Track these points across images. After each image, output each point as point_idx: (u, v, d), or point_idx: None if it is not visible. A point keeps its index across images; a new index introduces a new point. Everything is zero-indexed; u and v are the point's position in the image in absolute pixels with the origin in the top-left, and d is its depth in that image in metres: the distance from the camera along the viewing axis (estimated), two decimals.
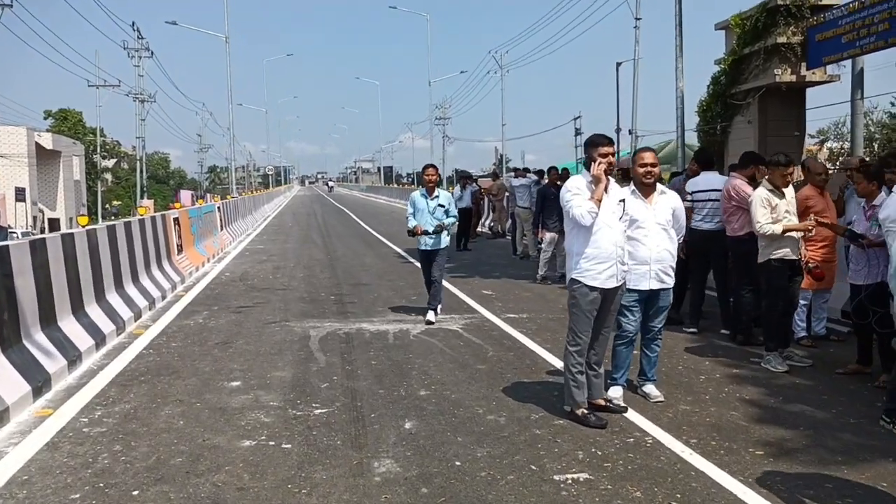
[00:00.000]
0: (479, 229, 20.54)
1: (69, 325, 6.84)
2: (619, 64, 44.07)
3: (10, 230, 35.83)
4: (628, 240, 5.06)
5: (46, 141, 48.70)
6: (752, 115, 24.26)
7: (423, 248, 8.80)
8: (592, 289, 4.85)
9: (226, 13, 38.14)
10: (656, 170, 5.23)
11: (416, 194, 8.89)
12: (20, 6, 53.22)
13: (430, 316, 8.50)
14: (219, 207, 19.13)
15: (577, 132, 60.42)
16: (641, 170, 5.20)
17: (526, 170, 15.84)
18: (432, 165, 9.07)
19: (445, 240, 8.78)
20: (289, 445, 4.62)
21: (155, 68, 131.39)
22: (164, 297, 10.33)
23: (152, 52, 46.29)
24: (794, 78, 20.53)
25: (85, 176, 60.93)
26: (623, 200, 4.97)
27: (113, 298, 8.35)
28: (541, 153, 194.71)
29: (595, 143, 4.92)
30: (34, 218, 47.48)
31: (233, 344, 7.50)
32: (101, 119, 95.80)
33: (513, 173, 15.38)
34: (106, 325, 7.68)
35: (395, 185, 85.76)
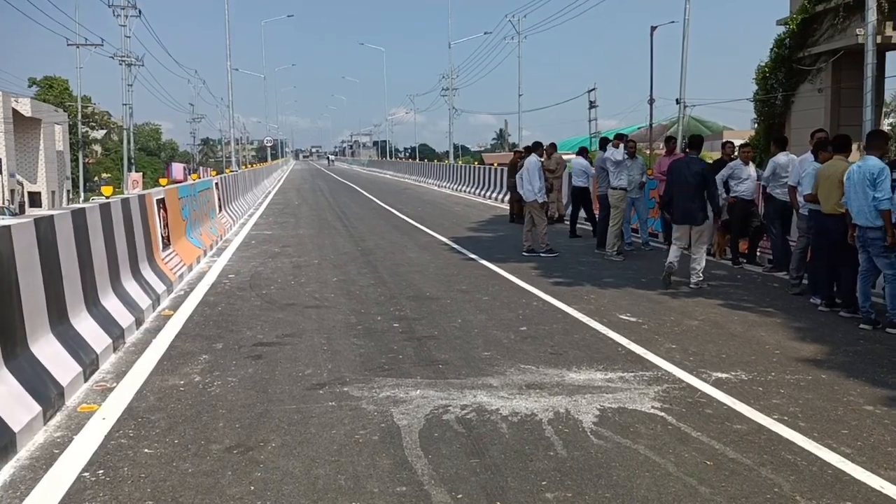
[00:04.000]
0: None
1: None
2: (653, 28, 40.37)
3: None
4: None
5: (25, 107, 44.67)
6: (824, 82, 20.34)
7: None
8: None
9: None
10: None
11: None
12: None
13: None
14: (217, 183, 15.49)
15: (592, 105, 56.77)
16: None
17: (620, 136, 12.16)
18: None
19: None
20: None
21: (143, 30, 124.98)
22: (140, 324, 6.76)
23: (140, 11, 42.15)
24: (878, 39, 16.87)
25: (70, 147, 56.84)
26: None
27: (44, 347, 4.77)
28: (537, 129, 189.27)
29: None
30: (12, 192, 43.60)
31: (259, 453, 3.95)
32: (88, 87, 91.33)
33: (610, 144, 11.80)
34: (23, 407, 4.12)
35: (397, 159, 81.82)
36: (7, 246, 4.46)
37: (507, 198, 19.83)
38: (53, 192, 50.19)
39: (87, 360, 5.26)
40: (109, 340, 5.82)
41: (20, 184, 46.07)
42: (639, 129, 45.16)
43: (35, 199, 47.85)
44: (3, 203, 38.81)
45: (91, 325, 5.70)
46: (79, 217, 5.88)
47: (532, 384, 5.05)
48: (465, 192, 28.81)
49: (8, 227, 4.51)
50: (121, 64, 41.98)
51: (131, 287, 7.09)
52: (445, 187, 32.82)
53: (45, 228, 5.09)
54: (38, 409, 4.26)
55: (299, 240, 13.80)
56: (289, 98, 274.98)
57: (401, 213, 19.74)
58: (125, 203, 7.44)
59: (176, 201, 10.41)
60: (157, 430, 4.27)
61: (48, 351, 4.80)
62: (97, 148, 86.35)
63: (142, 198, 8.26)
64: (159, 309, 7.57)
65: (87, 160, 76.90)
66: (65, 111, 56.85)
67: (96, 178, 77.86)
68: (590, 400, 4.72)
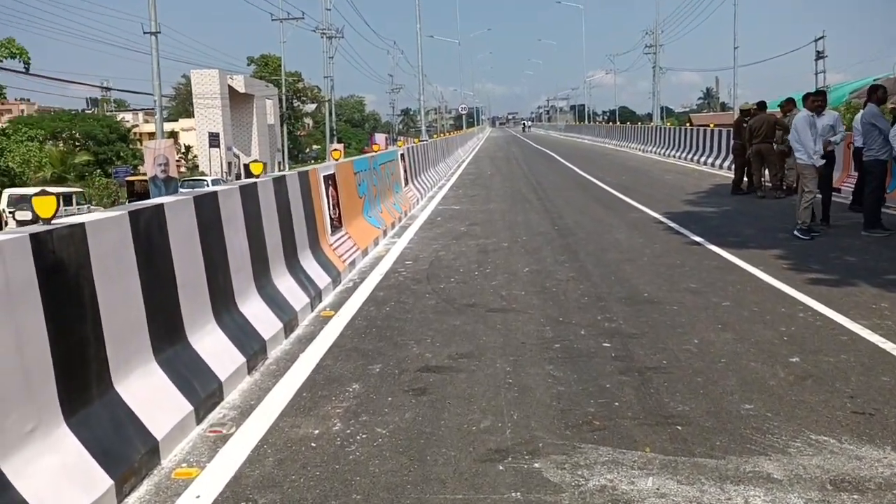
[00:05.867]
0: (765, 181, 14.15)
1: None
2: None
3: (198, 179, 34.21)
4: None
5: (239, 84, 47.36)
6: None
7: None
8: None
9: None
10: None
11: None
12: None
13: None
14: (403, 154, 14.40)
15: (819, 55, 49.99)
16: None
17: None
18: None
19: None
20: None
21: (342, 2, 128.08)
22: (290, 330, 5.56)
23: None
24: None
25: (281, 120, 59.97)
26: None
27: (137, 383, 3.60)
28: (749, 87, 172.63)
29: None
30: (229, 164, 46.58)
31: None
32: (295, 62, 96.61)
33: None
34: (80, 484, 2.92)
35: (595, 123, 78.29)
36: (81, 249, 3.27)
37: (731, 164, 17.09)
38: (265, 164, 53.15)
39: (205, 392, 4.06)
40: (243, 359, 4.62)
41: (237, 156, 49.17)
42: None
43: (250, 171, 50.87)
44: (221, 175, 41.35)
45: (218, 341, 4.51)
46: (207, 205, 4.70)
47: (841, 479, 3.11)
48: (674, 157, 25.97)
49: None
50: (322, 37, 42.99)
51: (284, 284, 5.92)
52: (651, 152, 30.05)
53: (146, 222, 3.90)
54: (108, 483, 3.04)
55: (489, 216, 12.33)
56: (484, 65, 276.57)
57: (602, 182, 17.68)
58: (279, 183, 6.28)
59: (351, 177, 9.28)
60: None
61: (144, 387, 3.62)
62: (308, 121, 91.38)
63: (303, 175, 7.11)
64: (320, 307, 6.38)
65: (298, 133, 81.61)
66: (276, 87, 60.00)
67: (307, 150, 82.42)
68: None
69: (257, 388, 4.48)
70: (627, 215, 11.77)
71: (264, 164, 6.64)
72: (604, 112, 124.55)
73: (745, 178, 14.55)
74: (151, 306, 3.84)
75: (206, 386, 4.11)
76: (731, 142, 16.77)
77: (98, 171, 41.19)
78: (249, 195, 5.52)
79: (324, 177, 7.85)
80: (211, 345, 4.41)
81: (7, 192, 24.47)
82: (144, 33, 21.26)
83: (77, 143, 50.03)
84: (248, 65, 76.94)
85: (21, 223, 20.58)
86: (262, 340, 5.01)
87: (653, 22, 58.58)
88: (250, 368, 4.71)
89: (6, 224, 22.40)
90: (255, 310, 5.20)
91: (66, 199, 24.19)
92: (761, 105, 13.98)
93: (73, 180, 42.20)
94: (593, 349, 4.99)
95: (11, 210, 22.93)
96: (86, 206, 24.91)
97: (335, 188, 8.25)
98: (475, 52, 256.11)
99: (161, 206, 4.12)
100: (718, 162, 20.75)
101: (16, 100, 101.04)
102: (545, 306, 6.18)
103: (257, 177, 6.06)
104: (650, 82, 59.84)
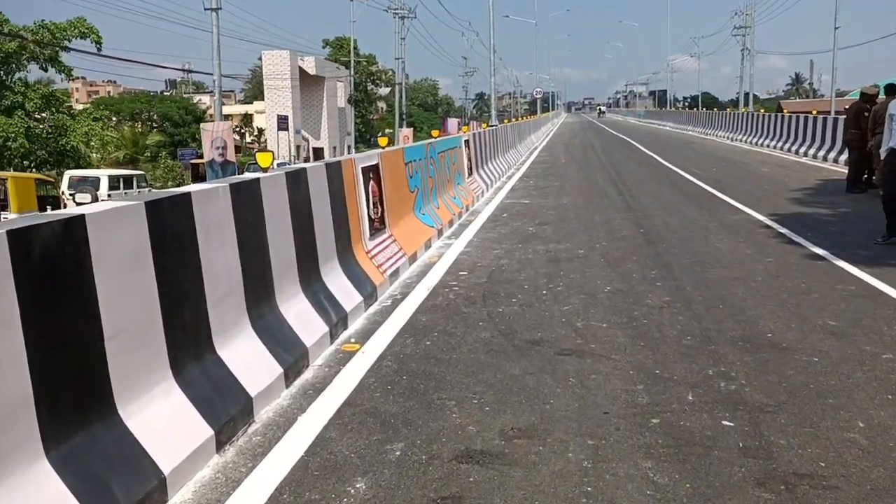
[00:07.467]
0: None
1: None
2: None
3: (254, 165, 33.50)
4: None
5: (310, 65, 46.63)
6: None
7: None
8: None
9: None
10: None
11: None
12: None
13: None
14: (467, 141, 12.94)
15: None
16: None
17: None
18: None
19: None
20: None
21: None
22: (294, 376, 4.22)
23: None
24: None
25: (350, 102, 59.22)
26: None
27: (28, 488, 2.30)
28: (843, 73, 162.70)
29: None
30: (297, 147, 46.01)
31: None
32: (369, 44, 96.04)
33: None
34: None
35: (675, 110, 74.79)
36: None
37: (837, 156, 15.00)
38: (335, 148, 52.53)
39: (133, 497, 2.74)
40: (210, 433, 3.30)
41: (305, 140, 48.59)
42: None
43: (319, 155, 50.33)
44: (288, 158, 40.75)
45: (173, 408, 3.20)
46: (170, 214, 3.38)
47: None
48: (767, 146, 23.71)
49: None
50: (394, 17, 41.78)
51: (295, 309, 4.59)
52: (740, 140, 27.75)
53: (47, 245, 2.59)
54: None
55: (562, 213, 10.78)
56: (562, 48, 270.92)
57: (690, 174, 15.82)
58: (295, 179, 4.91)
59: (401, 167, 7.90)
60: None
61: (24, 500, 2.32)
62: (382, 104, 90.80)
63: (333, 167, 5.73)
64: (343, 338, 5.02)
65: (371, 117, 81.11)
66: (347, 68, 59.20)
67: (380, 133, 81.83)
68: None
69: (223, 477, 3.15)
70: (725, 216, 10.02)
71: (273, 153, 5.29)
72: (684, 98, 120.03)
73: (866, 174, 12.54)
74: (52, 375, 2.54)
75: (137, 486, 2.79)
76: (843, 131, 14.69)
77: (165, 152, 41.21)
78: (247, 196, 4.18)
79: (363, 168, 6.47)
80: (160, 415, 3.10)
81: (68, 173, 24.11)
82: (205, 10, 20.37)
83: (154, 125, 50.55)
84: (324, 47, 76.73)
85: (81, 206, 20.11)
86: (246, 398, 3.68)
87: (742, 1, 55.01)
88: (221, 443, 3.39)
89: (65, 206, 22.01)
90: (243, 352, 3.87)
91: (127, 182, 23.69)
92: (890, 89, 11.89)
93: (144, 161, 42.48)
94: (709, 431, 3.46)
95: (72, 192, 22.52)
96: (147, 188, 24.37)
97: (377, 182, 6.87)
98: (552, 34, 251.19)
99: (80, 218, 2.81)
100: (822, 153, 18.51)
101: (103, 82, 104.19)
102: (634, 348, 4.67)
103: (265, 170, 4.72)
104: (734, 67, 56.65)
